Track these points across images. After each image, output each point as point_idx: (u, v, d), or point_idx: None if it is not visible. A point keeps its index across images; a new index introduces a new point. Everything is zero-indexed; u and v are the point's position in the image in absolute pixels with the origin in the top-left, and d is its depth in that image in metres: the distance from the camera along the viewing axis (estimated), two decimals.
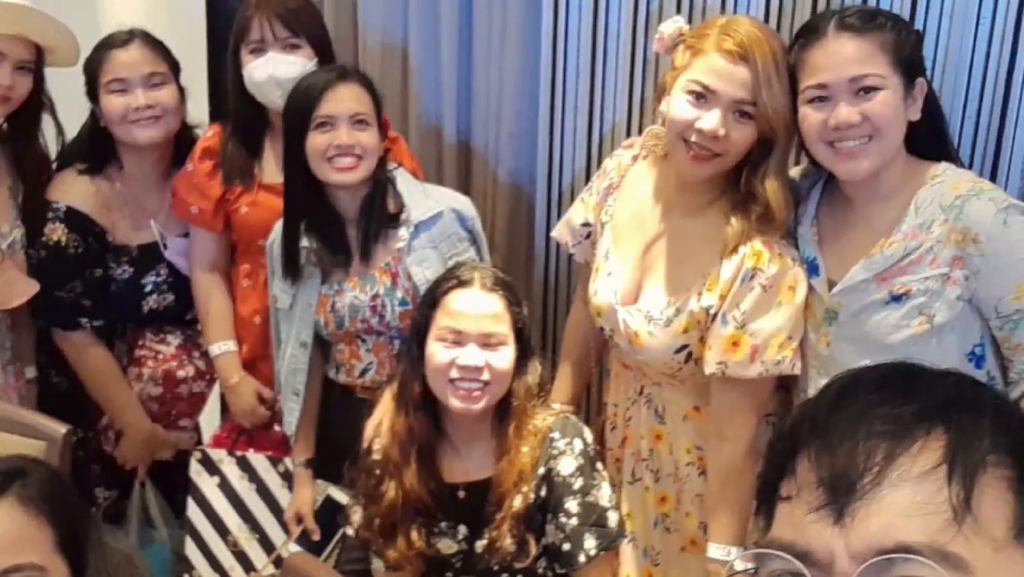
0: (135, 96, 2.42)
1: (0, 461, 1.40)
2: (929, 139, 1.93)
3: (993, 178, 2.14)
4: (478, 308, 1.97)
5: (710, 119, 1.92)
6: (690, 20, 2.24)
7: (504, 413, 1.99)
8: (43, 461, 1.53)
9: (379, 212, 2.27)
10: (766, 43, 1.91)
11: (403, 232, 2.28)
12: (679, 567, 2.24)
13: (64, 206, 2.45)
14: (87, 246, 2.46)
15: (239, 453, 2.58)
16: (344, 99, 2.19)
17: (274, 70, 2.36)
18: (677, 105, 1.96)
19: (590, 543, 1.96)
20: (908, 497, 0.73)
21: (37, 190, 2.47)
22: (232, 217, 2.50)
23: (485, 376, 1.94)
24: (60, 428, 2.05)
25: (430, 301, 2.01)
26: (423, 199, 2.32)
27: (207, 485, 2.58)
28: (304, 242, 2.27)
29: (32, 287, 2.41)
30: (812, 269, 1.99)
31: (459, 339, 1.95)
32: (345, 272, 2.30)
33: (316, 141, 2.18)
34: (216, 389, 2.69)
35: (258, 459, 2.57)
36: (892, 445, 0.75)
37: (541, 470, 1.97)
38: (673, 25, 2.05)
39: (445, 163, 2.80)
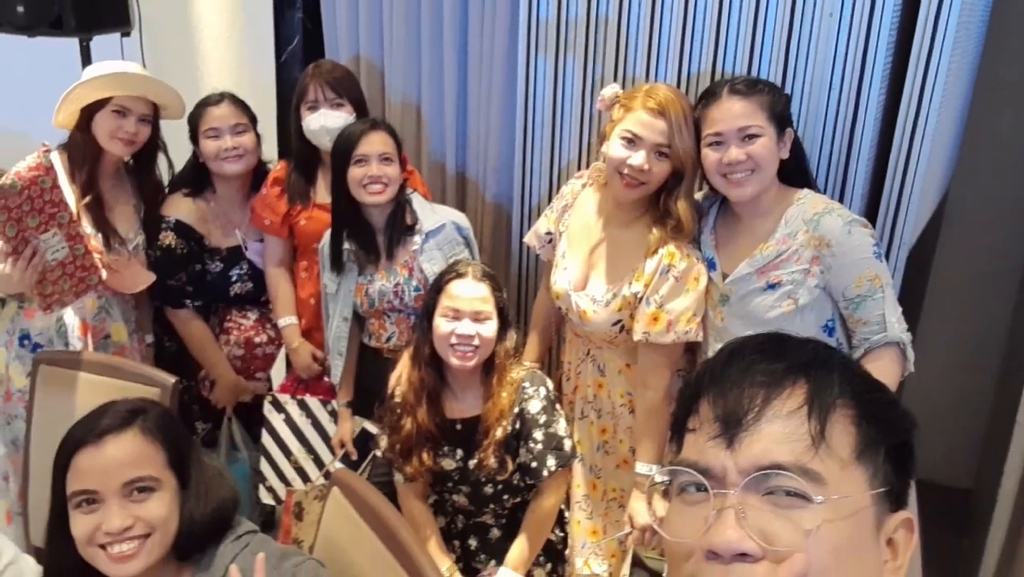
0: (225, 140, 2.40)
1: (127, 402, 1.37)
2: (795, 171, 1.91)
3: (841, 199, 2.11)
4: (471, 293, 1.93)
5: (637, 157, 1.89)
6: (624, 86, 2.20)
7: (489, 368, 1.96)
8: (158, 402, 1.50)
9: (400, 224, 2.24)
10: (678, 103, 1.89)
11: (417, 239, 2.25)
12: (615, 480, 2.23)
13: (173, 219, 2.42)
14: (190, 248, 2.43)
15: (299, 397, 2.54)
16: (375, 143, 2.16)
17: (324, 121, 2.34)
18: (614, 148, 1.93)
19: (551, 461, 1.93)
20: (779, 429, 0.73)
21: (154, 208, 2.43)
22: (295, 227, 2.45)
23: (476, 342, 1.91)
24: (170, 379, 2.02)
25: (436, 288, 1.97)
26: (431, 214, 2.29)
27: (276, 420, 2.55)
28: (346, 245, 2.24)
29: (150, 277, 2.37)
30: (711, 265, 1.97)
31: (457, 315, 1.91)
32: (375, 267, 2.26)
33: (355, 173, 2.15)
34: (282, 352, 2.64)
35: (313, 401, 2.53)
36: (768, 392, 0.75)
37: (516, 409, 1.95)
38: (611, 90, 2.03)
39: (447, 189, 2.76)
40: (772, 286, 1.85)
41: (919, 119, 2.01)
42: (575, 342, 2.22)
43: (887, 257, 2.03)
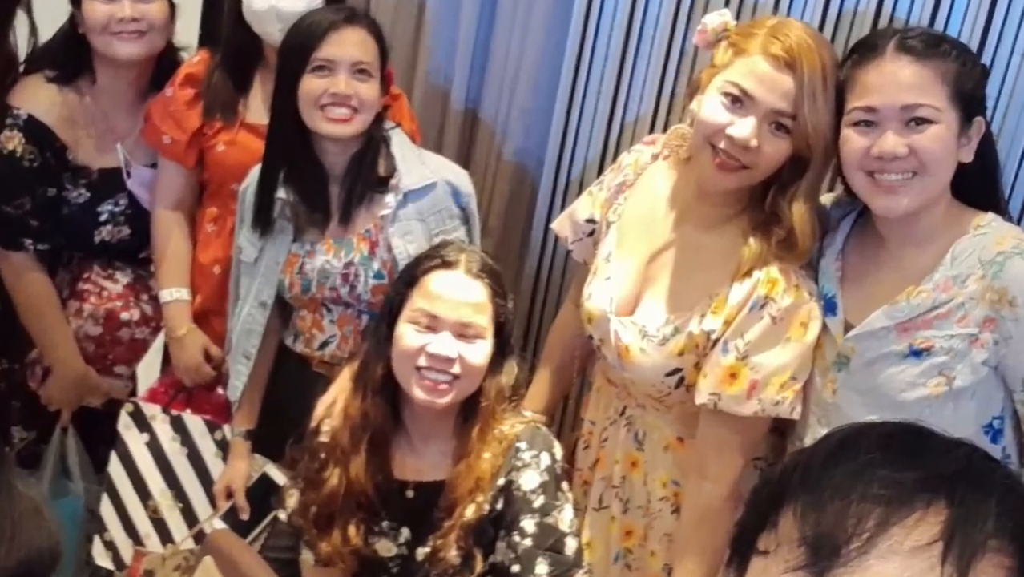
0: (121, 6, 2.40)
1: None
2: (979, 185, 1.90)
3: None
4: (459, 294, 1.94)
5: (743, 127, 1.89)
6: (737, 16, 2.22)
7: (470, 413, 1.97)
8: None
9: (367, 173, 2.25)
10: (816, 52, 1.88)
11: (390, 199, 2.26)
12: None
13: (25, 114, 2.43)
14: (44, 160, 2.44)
15: (174, 412, 2.56)
16: (348, 44, 2.18)
17: (277, 1, 2.34)
18: (710, 106, 1.93)
19: (542, 568, 1.92)
20: (896, 572, 0.72)
21: None
22: (207, 154, 2.48)
23: (456, 369, 1.91)
24: None
25: (408, 278, 1.98)
26: (418, 166, 2.30)
27: (134, 441, 2.55)
28: (281, 193, 2.25)
29: None
30: (829, 307, 1.96)
31: (433, 324, 1.92)
32: (320, 233, 2.28)
33: (311, 85, 2.16)
34: (160, 339, 2.66)
35: (194, 421, 2.55)
36: (887, 512, 0.74)
37: (501, 481, 1.95)
38: (719, 19, 2.02)
39: (448, 130, 2.77)
40: (917, 353, 1.85)
41: None
42: (606, 393, 2.22)
43: None
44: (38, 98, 2.45)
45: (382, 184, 2.26)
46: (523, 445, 1.97)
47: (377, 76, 2.21)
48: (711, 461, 2.01)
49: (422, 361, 1.91)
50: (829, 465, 0.78)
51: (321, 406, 2.11)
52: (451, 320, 1.92)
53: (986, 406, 1.86)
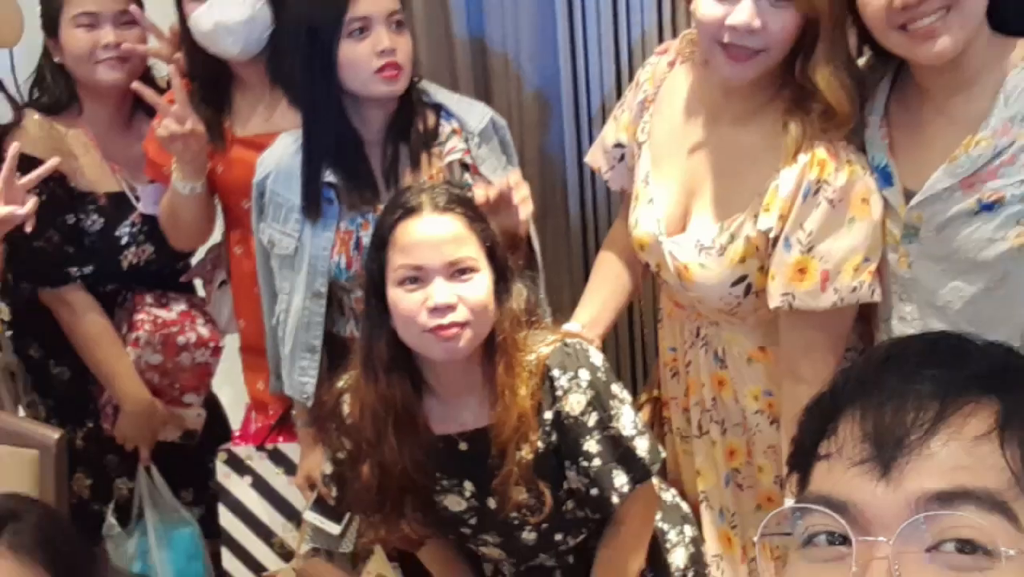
0: (104, 32, 2.41)
1: None
2: (1016, 8, 1.78)
3: None
4: (434, 233, 1.81)
5: (741, 12, 1.80)
6: None
7: (492, 351, 1.87)
8: (36, 500, 1.51)
9: (410, 130, 2.21)
10: None
11: (457, 141, 2.22)
12: (757, 528, 2.14)
13: (15, 155, 2.36)
14: (50, 192, 2.40)
15: (269, 446, 2.53)
16: None
17: (220, 15, 2.28)
18: (703, 4, 1.85)
19: (620, 480, 1.87)
20: (961, 455, 0.78)
21: None
22: (210, 180, 2.42)
23: (461, 315, 1.79)
24: (53, 434, 2.04)
25: (378, 241, 1.86)
26: (469, 106, 2.29)
27: (237, 487, 2.54)
28: (329, 178, 2.20)
29: None
30: (884, 178, 1.87)
31: (421, 275, 1.79)
32: (372, 206, 2.19)
33: (356, 50, 2.10)
34: (225, 362, 2.66)
35: (291, 448, 2.51)
36: (943, 406, 0.79)
37: (548, 415, 1.88)
38: None
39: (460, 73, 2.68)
40: (989, 207, 1.75)
41: None
42: (677, 317, 2.17)
43: None
44: (28, 134, 2.43)
45: (431, 138, 2.22)
46: (556, 372, 1.88)
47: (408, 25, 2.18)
48: (802, 363, 1.94)
49: (425, 319, 1.79)
50: (882, 372, 0.84)
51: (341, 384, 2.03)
52: (437, 264, 1.79)
53: None
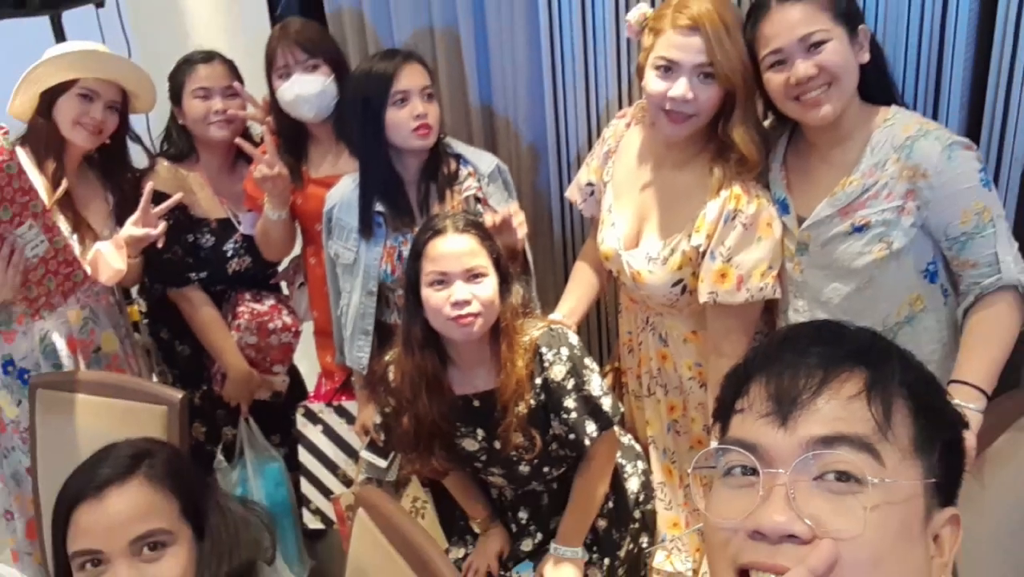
0: (215, 102, 2.39)
1: (128, 445, 1.32)
2: (877, 84, 1.77)
3: (935, 116, 1.96)
4: (455, 249, 1.79)
5: (678, 87, 1.78)
6: (653, 4, 2.07)
7: (497, 334, 1.85)
8: (165, 442, 1.46)
9: (438, 173, 2.17)
10: (714, 12, 1.76)
11: (472, 182, 2.18)
12: (691, 463, 2.13)
13: (150, 192, 2.33)
14: (175, 218, 2.37)
15: (335, 403, 2.50)
16: (415, 75, 2.08)
17: (299, 89, 2.27)
18: (650, 81, 1.82)
19: (591, 427, 1.85)
20: (839, 409, 0.78)
21: (130, 202, 2.33)
22: (293, 209, 2.39)
23: (475, 307, 1.77)
24: (176, 394, 1.98)
25: (414, 254, 1.84)
26: (481, 155, 2.24)
27: (312, 434, 2.51)
28: (377, 206, 2.16)
29: (120, 260, 2.24)
30: (783, 208, 1.84)
31: (446, 279, 1.78)
32: (410, 226, 2.16)
33: (399, 116, 2.07)
34: (302, 341, 2.61)
35: (352, 404, 2.48)
36: (825, 374, 0.80)
37: (538, 380, 1.85)
38: (636, 12, 1.90)
39: (474, 131, 2.63)
40: (859, 229, 1.72)
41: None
42: (632, 309, 2.13)
43: (996, 183, 1.86)
44: (159, 176, 2.41)
45: (451, 179, 2.18)
46: (544, 349, 1.85)
47: (437, 95, 2.14)
48: (723, 342, 1.91)
49: (449, 310, 1.77)
50: (781, 349, 0.84)
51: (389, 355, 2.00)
52: (457, 270, 1.77)
53: (921, 257, 1.73)
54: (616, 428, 1.95)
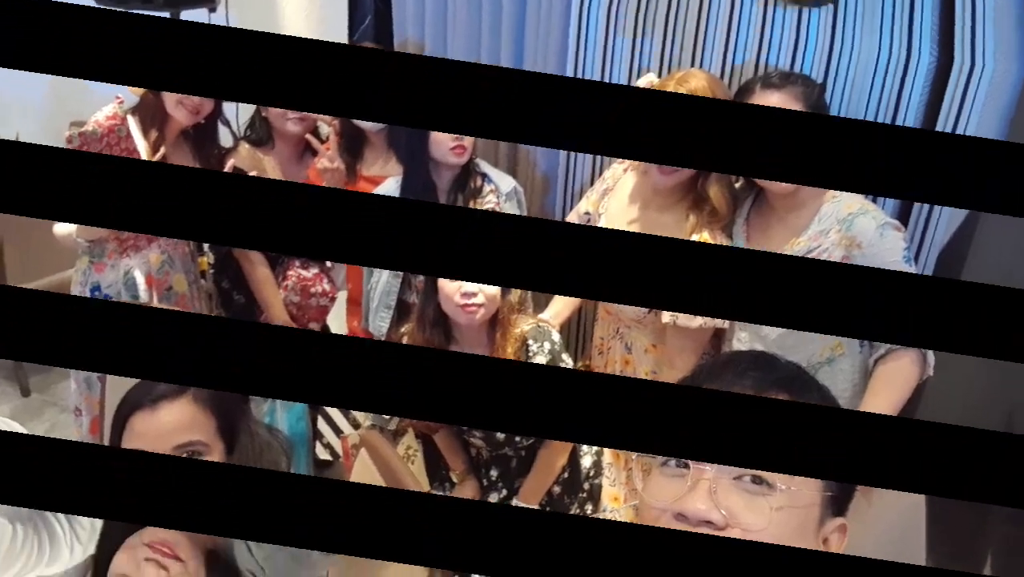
0: None
1: None
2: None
3: (875, 199, 1.96)
4: None
5: None
6: (668, 70, 2.09)
7: (495, 324, 1.85)
8: None
9: (466, 187, 2.17)
10: (709, 89, 1.75)
11: (492, 198, 2.16)
12: (642, 457, 2.13)
13: (232, 167, 2.37)
14: None
15: None
16: None
17: None
18: None
19: None
20: None
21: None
22: None
23: (480, 299, 1.78)
24: None
25: None
26: (504, 177, 2.23)
27: None
28: None
29: None
30: None
31: None
32: None
33: (441, 135, 2.05)
34: (336, 306, 2.60)
35: None
36: (756, 394, 0.76)
37: None
38: (645, 80, 1.91)
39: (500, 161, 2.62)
40: None
41: (959, 121, 1.83)
42: (607, 319, 2.13)
43: (916, 259, 1.89)
44: (240, 156, 2.40)
45: (477, 192, 2.17)
46: (531, 341, 1.85)
47: None
48: (677, 357, 1.92)
49: (459, 298, 1.78)
50: (723, 369, 0.84)
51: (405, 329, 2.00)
52: None
53: None
54: None
